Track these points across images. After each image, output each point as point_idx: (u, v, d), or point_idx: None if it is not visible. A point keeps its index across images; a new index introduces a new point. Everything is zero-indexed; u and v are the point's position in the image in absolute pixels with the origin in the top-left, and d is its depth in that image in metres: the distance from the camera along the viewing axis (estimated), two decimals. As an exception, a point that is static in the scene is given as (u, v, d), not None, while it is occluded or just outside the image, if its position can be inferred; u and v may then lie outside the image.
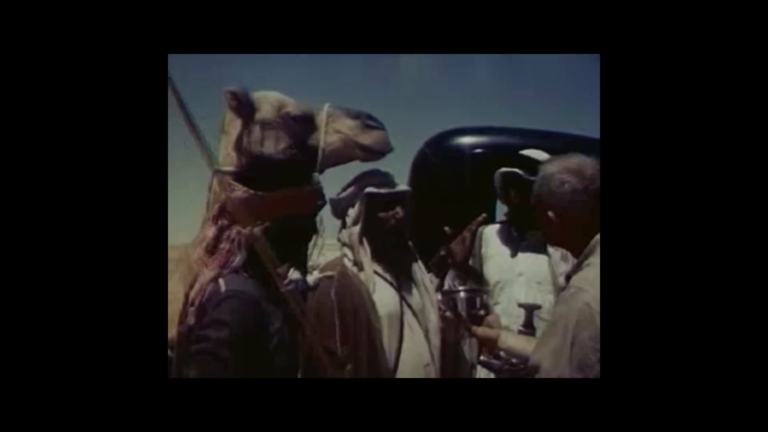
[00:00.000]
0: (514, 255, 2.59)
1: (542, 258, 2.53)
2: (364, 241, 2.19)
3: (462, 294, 2.02)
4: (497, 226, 2.69)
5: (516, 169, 2.52)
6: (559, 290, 2.32)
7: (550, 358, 1.58)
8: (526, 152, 2.58)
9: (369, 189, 2.18)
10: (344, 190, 2.25)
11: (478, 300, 2.02)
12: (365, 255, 2.18)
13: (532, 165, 2.32)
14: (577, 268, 1.69)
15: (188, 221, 1.73)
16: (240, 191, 1.59)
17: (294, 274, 2.04)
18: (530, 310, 2.09)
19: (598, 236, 1.63)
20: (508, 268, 2.57)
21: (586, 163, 1.69)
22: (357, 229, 2.19)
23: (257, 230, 1.54)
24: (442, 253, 2.43)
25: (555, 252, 2.50)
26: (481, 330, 1.95)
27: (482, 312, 2.01)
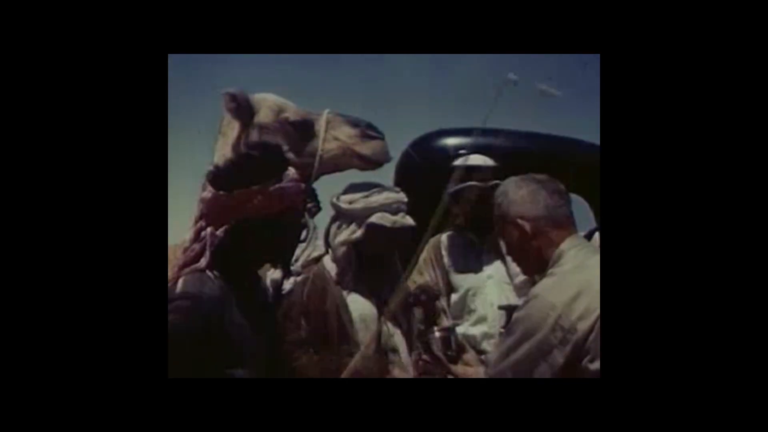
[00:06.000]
0: (478, 259, 2.55)
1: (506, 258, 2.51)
2: (351, 261, 2.12)
3: (437, 334, 1.98)
4: (453, 234, 2.63)
5: (471, 182, 2.47)
6: (518, 286, 2.37)
7: (500, 354, 1.67)
8: (465, 162, 2.49)
9: (373, 220, 2.05)
10: (351, 202, 2.12)
11: (452, 339, 1.99)
12: (348, 272, 2.12)
13: (478, 171, 2.41)
14: (540, 279, 1.72)
15: (188, 221, 1.73)
16: (207, 191, 1.59)
17: (274, 274, 2.04)
18: (510, 310, 2.07)
19: (563, 245, 1.68)
20: (476, 273, 2.52)
21: (533, 174, 1.80)
22: (344, 248, 2.11)
23: (220, 231, 1.55)
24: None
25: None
26: (461, 369, 1.95)
27: (456, 351, 1.99)
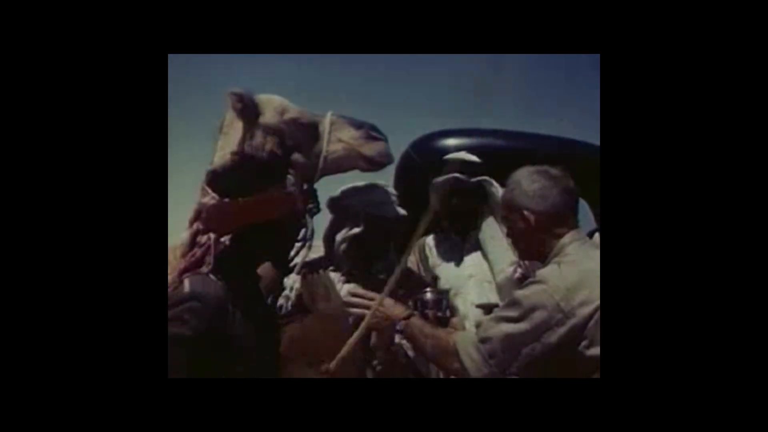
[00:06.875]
0: (460, 259, 2.58)
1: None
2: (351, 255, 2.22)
3: (429, 295, 1.99)
4: (437, 235, 2.67)
5: (456, 174, 2.50)
6: (500, 284, 2.40)
7: (494, 319, 1.69)
8: (455, 156, 2.57)
9: (368, 210, 2.18)
10: (345, 199, 2.24)
11: (444, 302, 1.99)
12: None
13: (461, 165, 2.44)
14: (544, 265, 1.76)
15: (187, 221, 1.73)
16: (208, 197, 1.59)
17: (272, 273, 2.06)
18: (489, 309, 2.10)
19: (565, 238, 1.71)
20: (457, 273, 2.55)
21: (548, 168, 1.81)
22: (344, 244, 2.22)
23: (224, 239, 1.56)
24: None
25: (495, 248, 2.50)
26: (443, 332, 1.89)
27: (448, 314, 1.99)
